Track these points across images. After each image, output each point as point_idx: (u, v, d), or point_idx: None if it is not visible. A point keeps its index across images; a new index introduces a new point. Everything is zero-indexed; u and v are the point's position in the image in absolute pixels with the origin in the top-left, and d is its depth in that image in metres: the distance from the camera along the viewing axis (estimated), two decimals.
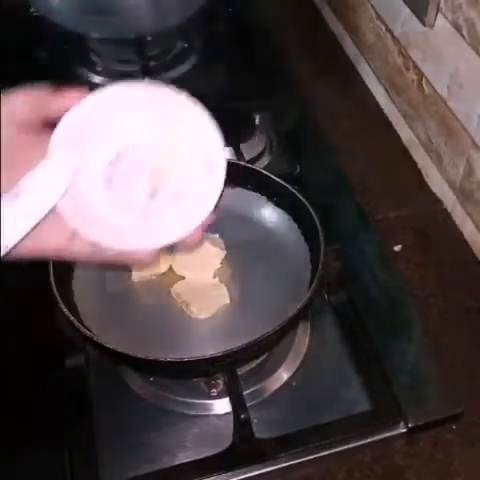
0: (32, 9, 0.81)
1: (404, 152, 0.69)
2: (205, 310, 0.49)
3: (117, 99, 0.35)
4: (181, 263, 0.52)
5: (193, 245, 0.36)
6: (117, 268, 0.50)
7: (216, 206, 0.35)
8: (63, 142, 0.33)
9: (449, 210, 0.63)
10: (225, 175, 0.35)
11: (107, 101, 0.35)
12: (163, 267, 0.52)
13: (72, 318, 0.44)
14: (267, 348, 0.49)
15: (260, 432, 0.46)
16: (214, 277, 0.51)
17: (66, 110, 0.33)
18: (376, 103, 0.74)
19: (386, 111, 0.73)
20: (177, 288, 0.51)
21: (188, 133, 0.36)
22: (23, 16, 0.82)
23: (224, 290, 0.50)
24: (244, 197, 0.56)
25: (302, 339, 0.52)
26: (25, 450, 0.46)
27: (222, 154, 0.36)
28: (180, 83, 0.81)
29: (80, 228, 0.33)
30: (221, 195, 0.35)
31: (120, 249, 0.33)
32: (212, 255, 0.52)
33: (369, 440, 0.46)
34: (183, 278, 0.52)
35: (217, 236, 0.54)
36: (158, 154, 0.36)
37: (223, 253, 0.52)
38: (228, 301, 0.50)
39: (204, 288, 0.50)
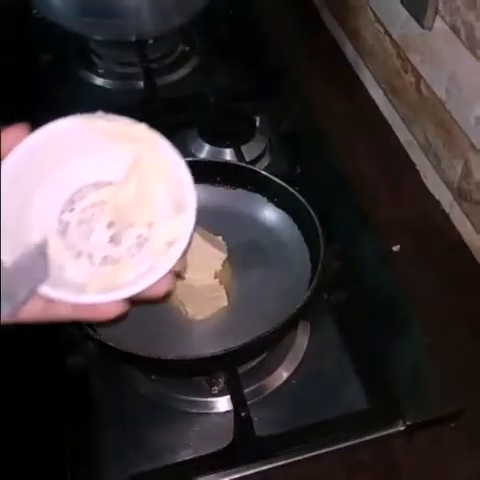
0: (34, 11, 0.82)
1: (403, 154, 0.70)
2: (201, 312, 0.49)
3: (70, 135, 0.31)
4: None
5: (163, 293, 0.31)
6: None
7: (187, 250, 0.31)
8: (8, 188, 0.29)
9: (447, 211, 0.64)
10: (195, 214, 0.31)
11: (59, 137, 0.31)
12: None
13: None
14: (267, 347, 0.49)
15: (260, 430, 0.46)
16: (215, 278, 0.52)
17: (9, 150, 0.29)
18: (375, 105, 0.75)
19: (385, 113, 0.73)
20: (176, 288, 0.51)
21: (152, 170, 0.32)
22: (25, 18, 0.82)
23: (222, 292, 0.50)
24: (244, 198, 0.57)
25: (302, 338, 0.53)
26: (26, 449, 0.46)
27: (192, 191, 0.31)
28: (181, 85, 0.83)
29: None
30: (192, 237, 0.31)
31: (79, 303, 0.29)
32: (214, 257, 0.52)
33: (368, 438, 0.46)
34: (184, 278, 0.52)
35: (220, 238, 0.54)
36: (119, 195, 0.32)
37: (224, 256, 0.53)
38: (226, 303, 0.50)
39: (203, 290, 0.50)
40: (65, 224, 0.32)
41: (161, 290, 0.31)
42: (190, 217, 0.31)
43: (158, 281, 0.30)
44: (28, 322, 0.30)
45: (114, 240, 0.32)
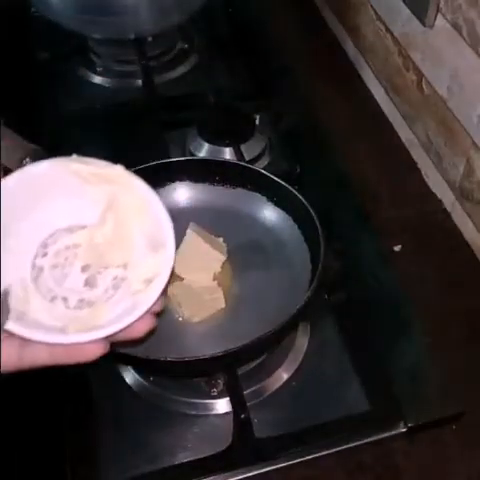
0: (32, 9, 0.81)
1: (404, 152, 0.69)
2: (198, 314, 0.49)
3: (45, 178, 0.31)
4: (182, 264, 0.52)
5: (144, 333, 0.30)
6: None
7: (166, 288, 0.30)
8: None
9: (449, 210, 0.63)
10: (174, 250, 0.31)
11: (33, 181, 0.31)
12: None
13: None
14: (267, 348, 0.49)
15: (260, 432, 0.46)
16: (214, 280, 0.51)
17: None
18: (376, 103, 0.74)
19: (386, 111, 0.73)
20: (174, 288, 0.51)
21: (127, 210, 0.32)
22: (23, 16, 0.82)
23: (220, 294, 0.50)
24: (244, 197, 0.56)
25: (302, 339, 0.52)
26: (25, 450, 0.46)
27: (169, 228, 0.31)
28: (180, 83, 0.82)
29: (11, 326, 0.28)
30: (172, 274, 0.30)
31: (59, 343, 0.29)
32: (213, 259, 0.52)
33: (369, 440, 0.46)
34: (183, 279, 0.52)
35: (221, 240, 0.53)
36: (93, 237, 0.32)
37: (224, 258, 0.52)
38: (223, 305, 0.50)
39: (201, 291, 0.50)
40: (38, 269, 0.31)
41: (142, 330, 0.30)
42: (169, 254, 0.31)
43: (138, 320, 0.30)
44: (5, 372, 0.29)
45: (89, 283, 0.32)
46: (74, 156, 0.32)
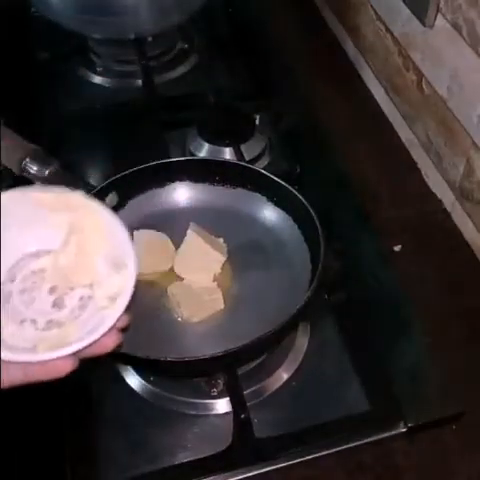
0: (32, 9, 0.81)
1: (404, 152, 0.69)
2: (196, 314, 0.49)
3: (8, 208, 0.32)
4: (182, 264, 0.52)
5: (111, 348, 0.32)
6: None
7: (130, 305, 0.32)
8: None
9: (449, 210, 0.63)
10: (136, 269, 0.33)
11: None
12: (165, 266, 0.52)
13: None
14: (267, 348, 0.49)
15: (260, 432, 0.46)
16: (213, 281, 0.51)
17: None
18: (376, 103, 0.74)
19: (386, 111, 0.73)
20: (173, 288, 0.51)
21: (89, 233, 0.34)
22: (23, 16, 0.82)
23: (219, 295, 0.50)
24: (244, 197, 0.56)
25: (302, 339, 0.52)
26: (25, 450, 0.46)
27: (130, 247, 0.33)
28: (180, 83, 0.82)
29: None
30: (134, 292, 0.33)
31: (31, 361, 0.30)
32: (213, 259, 0.52)
33: (369, 440, 0.46)
34: (182, 279, 0.52)
35: (221, 241, 0.53)
36: (59, 260, 0.34)
37: (224, 258, 0.52)
38: (222, 306, 0.50)
39: (200, 292, 0.50)
40: (7, 294, 0.33)
41: (109, 345, 0.32)
42: (131, 272, 0.33)
43: (104, 335, 0.31)
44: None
45: (57, 304, 0.33)
46: (36, 185, 0.33)
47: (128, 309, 0.32)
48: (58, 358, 0.30)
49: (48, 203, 0.34)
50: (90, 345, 0.31)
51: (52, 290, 0.34)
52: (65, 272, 0.34)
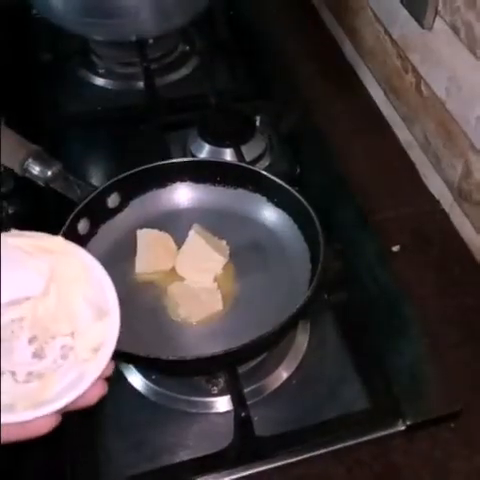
0: (34, 11, 0.82)
1: (403, 153, 0.70)
2: (194, 315, 0.49)
3: None
4: (183, 264, 0.53)
5: (96, 401, 0.31)
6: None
7: (114, 354, 0.31)
8: None
9: (447, 211, 0.64)
10: (119, 317, 0.31)
11: None
12: (166, 265, 0.53)
13: None
14: (267, 347, 0.49)
15: (260, 430, 0.46)
16: (214, 282, 0.51)
17: None
18: (375, 105, 0.75)
19: (385, 113, 0.73)
20: (173, 288, 0.51)
21: (70, 279, 0.33)
22: (25, 18, 0.82)
23: (218, 297, 0.50)
24: (244, 198, 0.57)
25: (302, 338, 0.53)
26: (25, 449, 0.46)
27: (113, 293, 0.32)
28: (181, 85, 0.83)
29: None
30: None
31: (8, 422, 0.28)
32: (215, 261, 0.52)
33: (368, 438, 0.46)
34: (184, 279, 0.52)
35: (224, 243, 0.54)
36: (38, 308, 0.33)
37: (225, 260, 0.53)
38: (221, 308, 0.50)
39: (200, 292, 0.51)
40: None
41: (93, 398, 0.30)
42: (114, 320, 0.31)
43: (89, 388, 0.30)
44: None
45: (37, 355, 0.32)
46: (12, 231, 0.32)
47: (112, 358, 0.31)
48: (39, 417, 0.29)
49: (28, 248, 0.33)
50: (74, 400, 0.29)
51: (32, 340, 0.32)
52: (45, 321, 0.32)
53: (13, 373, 0.31)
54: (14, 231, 0.32)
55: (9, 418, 0.29)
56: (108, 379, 0.31)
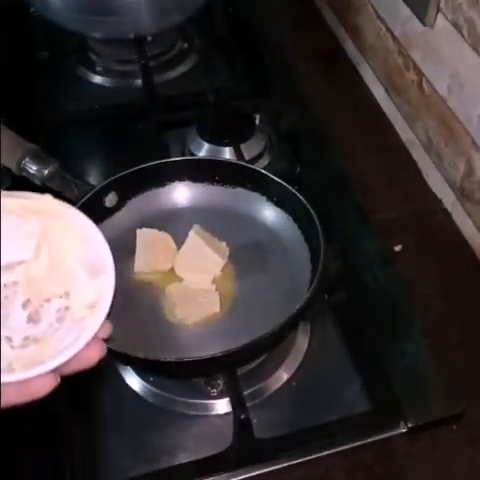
0: (32, 9, 0.81)
1: (404, 152, 0.69)
2: (190, 316, 0.49)
3: None
4: (182, 265, 0.52)
5: (95, 361, 0.30)
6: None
7: (110, 312, 0.30)
8: None
9: (449, 210, 0.63)
10: (114, 274, 0.31)
11: None
12: (165, 266, 0.52)
13: None
14: (267, 348, 0.49)
15: (260, 432, 0.46)
16: (212, 284, 0.51)
17: None
18: (376, 103, 0.74)
19: (386, 111, 0.73)
20: (171, 288, 0.51)
21: (62, 239, 0.32)
22: (23, 15, 0.82)
23: (216, 298, 0.50)
24: (244, 197, 0.56)
25: (302, 339, 0.52)
26: (25, 450, 0.45)
27: (107, 250, 0.31)
28: (180, 83, 0.82)
29: None
30: (114, 298, 0.30)
31: (7, 382, 0.28)
32: (214, 262, 0.52)
33: (369, 440, 0.46)
34: (182, 280, 0.52)
35: (224, 244, 0.53)
36: (30, 272, 0.32)
37: (225, 262, 0.52)
38: (218, 310, 0.49)
39: (198, 293, 0.50)
40: None
41: (93, 358, 0.30)
42: (110, 277, 0.31)
43: (87, 347, 0.29)
44: None
45: (32, 319, 0.31)
46: (1, 191, 0.31)
47: (108, 316, 0.30)
48: (36, 377, 0.28)
49: (16, 210, 0.31)
50: (70, 360, 0.28)
51: (26, 304, 0.31)
52: (38, 283, 0.31)
53: (9, 339, 0.31)
54: (3, 192, 0.31)
55: (8, 378, 0.28)
56: (106, 340, 0.31)
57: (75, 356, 0.29)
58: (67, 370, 0.29)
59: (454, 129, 0.59)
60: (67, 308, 0.31)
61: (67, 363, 0.29)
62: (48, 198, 0.32)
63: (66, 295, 0.32)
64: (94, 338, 0.29)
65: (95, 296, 0.31)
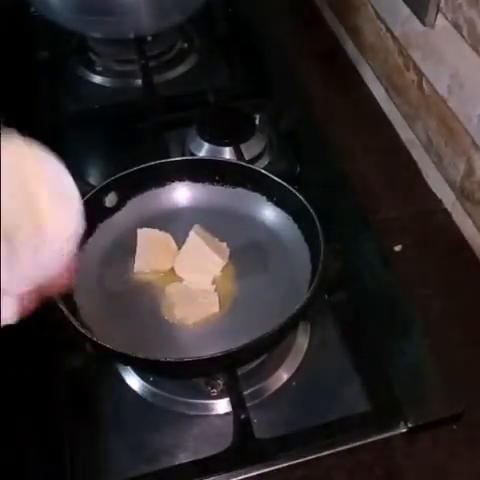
0: (32, 9, 0.81)
1: (404, 152, 0.69)
2: (189, 316, 0.49)
3: None
4: (183, 265, 0.52)
5: (63, 287, 0.33)
6: None
7: (78, 243, 0.32)
8: None
9: (449, 210, 0.63)
10: (80, 202, 0.32)
11: None
12: (166, 266, 0.52)
13: (72, 318, 0.44)
14: (267, 348, 0.48)
15: (260, 432, 0.46)
16: (213, 284, 0.51)
17: None
18: (376, 103, 0.74)
19: (386, 111, 0.73)
20: (171, 288, 0.51)
21: (26, 173, 0.32)
22: (22, 15, 0.82)
23: (215, 299, 0.50)
24: (244, 197, 0.56)
25: (302, 339, 0.52)
26: (25, 450, 0.45)
27: (71, 182, 0.33)
28: (180, 83, 0.82)
29: None
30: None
31: None
32: (214, 263, 0.52)
33: (369, 440, 0.46)
34: (182, 280, 0.52)
35: (224, 245, 0.53)
36: None
37: (224, 262, 0.52)
38: (217, 310, 0.49)
39: (197, 294, 0.50)
40: None
41: (61, 284, 0.33)
42: (76, 208, 0.33)
43: (57, 273, 0.32)
44: None
45: (10, 253, 0.32)
46: None
47: (78, 248, 0.32)
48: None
49: None
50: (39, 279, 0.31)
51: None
52: (8, 217, 0.31)
53: None
54: None
55: None
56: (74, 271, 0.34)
57: (44, 278, 0.32)
58: (38, 293, 0.32)
59: (454, 129, 0.59)
60: (42, 241, 0.32)
61: (36, 285, 0.31)
62: (8, 132, 0.32)
63: (38, 228, 0.32)
64: (63, 266, 0.32)
65: (65, 225, 0.32)
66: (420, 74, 0.64)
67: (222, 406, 0.49)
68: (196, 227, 0.53)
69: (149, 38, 0.77)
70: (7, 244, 0.32)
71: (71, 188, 0.33)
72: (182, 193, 0.58)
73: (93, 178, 0.64)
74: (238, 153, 0.62)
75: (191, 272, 0.52)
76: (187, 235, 0.53)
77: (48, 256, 0.32)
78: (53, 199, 0.32)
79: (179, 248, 0.53)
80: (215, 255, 0.52)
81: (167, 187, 0.57)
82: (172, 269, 0.52)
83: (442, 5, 0.57)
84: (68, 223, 0.32)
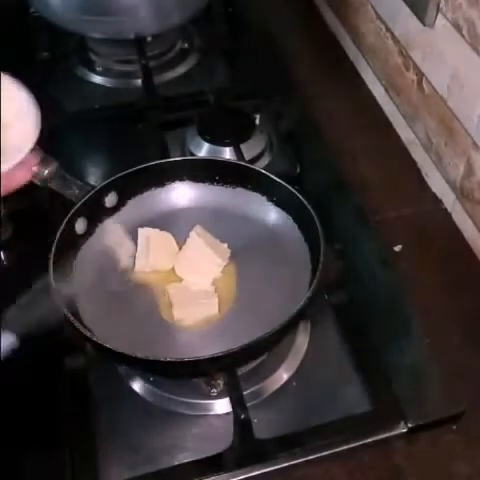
0: (31, 9, 0.81)
1: (404, 152, 0.69)
2: (188, 317, 0.49)
3: None
4: (182, 265, 0.52)
5: (22, 181, 0.39)
6: None
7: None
8: None
9: (449, 210, 0.63)
10: (36, 111, 0.39)
11: None
12: (166, 266, 0.52)
13: (72, 318, 0.44)
14: (267, 348, 0.48)
15: (260, 432, 0.46)
16: (212, 285, 0.51)
17: None
18: (376, 103, 0.74)
19: (386, 111, 0.73)
20: (171, 288, 0.51)
21: None
22: (23, 15, 0.82)
23: (215, 300, 0.50)
24: (244, 197, 0.56)
25: (302, 339, 0.52)
26: (25, 450, 0.45)
27: (25, 96, 0.39)
28: (180, 83, 0.82)
29: None
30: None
31: None
32: (214, 264, 0.52)
33: (369, 440, 0.46)
34: (181, 280, 0.52)
35: (225, 246, 0.53)
36: None
37: (224, 263, 0.52)
38: (216, 312, 0.49)
39: (197, 294, 0.50)
40: None
41: (23, 178, 0.39)
42: (32, 116, 0.39)
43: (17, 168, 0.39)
44: None
45: None
46: None
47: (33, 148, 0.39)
48: None
49: None
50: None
51: None
52: None
53: None
54: None
55: None
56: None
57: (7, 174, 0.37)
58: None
59: (454, 129, 0.59)
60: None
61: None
62: None
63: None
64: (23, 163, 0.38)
65: (24, 131, 0.39)
66: (420, 74, 0.64)
67: (222, 406, 0.48)
68: (197, 227, 0.53)
69: (149, 38, 0.77)
70: None
71: (26, 104, 0.39)
72: (182, 193, 0.58)
73: (93, 178, 0.64)
74: (238, 153, 0.62)
75: (191, 273, 0.52)
76: (186, 235, 0.53)
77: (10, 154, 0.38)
78: (10, 109, 0.38)
79: (179, 248, 0.53)
80: (215, 256, 0.51)
81: (167, 187, 0.57)
82: (172, 269, 0.52)
83: (442, 5, 0.57)
84: (22, 129, 0.38)
